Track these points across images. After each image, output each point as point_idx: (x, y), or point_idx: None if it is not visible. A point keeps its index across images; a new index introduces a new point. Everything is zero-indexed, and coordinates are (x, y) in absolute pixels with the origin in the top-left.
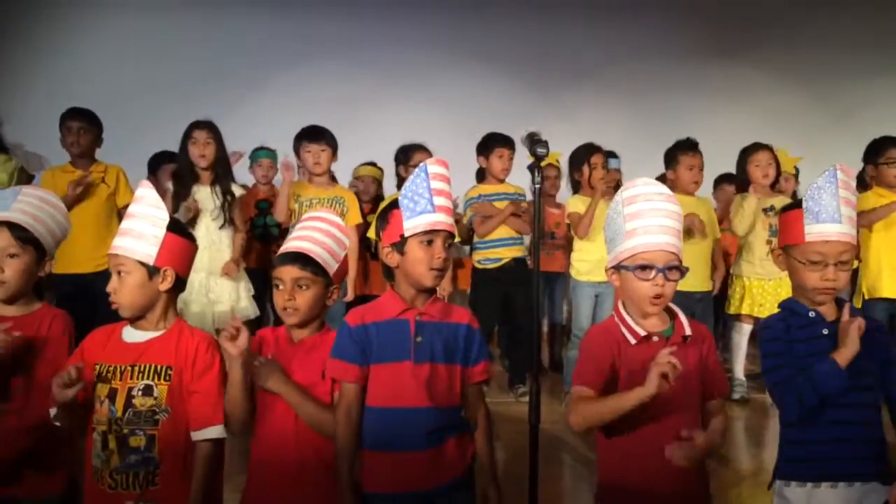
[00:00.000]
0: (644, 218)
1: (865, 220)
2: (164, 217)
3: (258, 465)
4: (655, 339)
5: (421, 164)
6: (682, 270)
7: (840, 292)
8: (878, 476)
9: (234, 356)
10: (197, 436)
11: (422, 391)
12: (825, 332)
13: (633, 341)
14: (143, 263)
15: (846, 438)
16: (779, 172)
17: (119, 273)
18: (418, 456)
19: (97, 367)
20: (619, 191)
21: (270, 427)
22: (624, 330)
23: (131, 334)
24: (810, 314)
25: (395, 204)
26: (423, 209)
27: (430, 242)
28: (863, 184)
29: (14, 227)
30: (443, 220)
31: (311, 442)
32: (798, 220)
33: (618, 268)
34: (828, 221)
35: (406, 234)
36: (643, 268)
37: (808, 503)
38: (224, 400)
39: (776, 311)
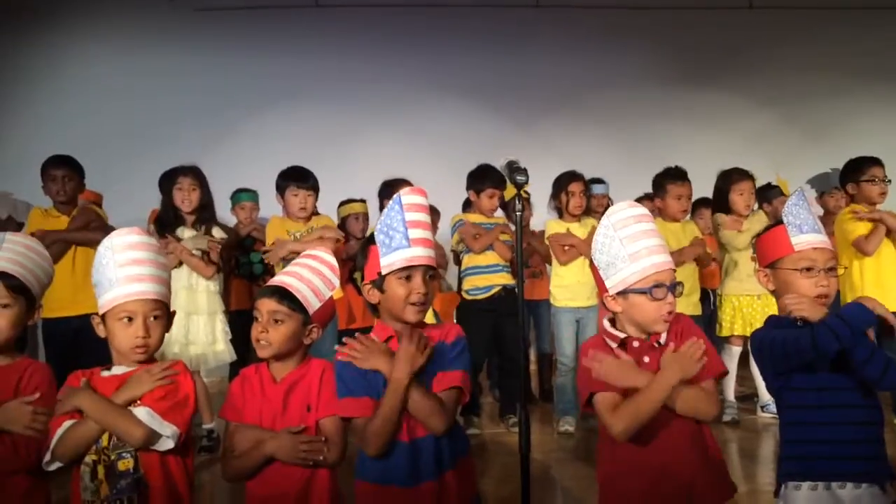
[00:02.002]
0: (642, 240)
1: (871, 246)
2: (169, 262)
3: (256, 500)
4: (636, 343)
5: (395, 196)
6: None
7: (830, 302)
8: (881, 477)
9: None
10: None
11: (417, 422)
12: None
13: (613, 345)
14: (168, 306)
15: (848, 440)
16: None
17: (154, 318)
18: (436, 484)
19: None
20: (606, 216)
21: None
22: (606, 338)
23: (110, 371)
24: (798, 322)
25: (372, 239)
26: (398, 244)
27: (408, 278)
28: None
29: (5, 277)
30: (420, 253)
31: (305, 475)
32: (783, 234)
33: (624, 292)
34: (810, 232)
35: (383, 272)
36: (657, 288)
37: None
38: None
39: None
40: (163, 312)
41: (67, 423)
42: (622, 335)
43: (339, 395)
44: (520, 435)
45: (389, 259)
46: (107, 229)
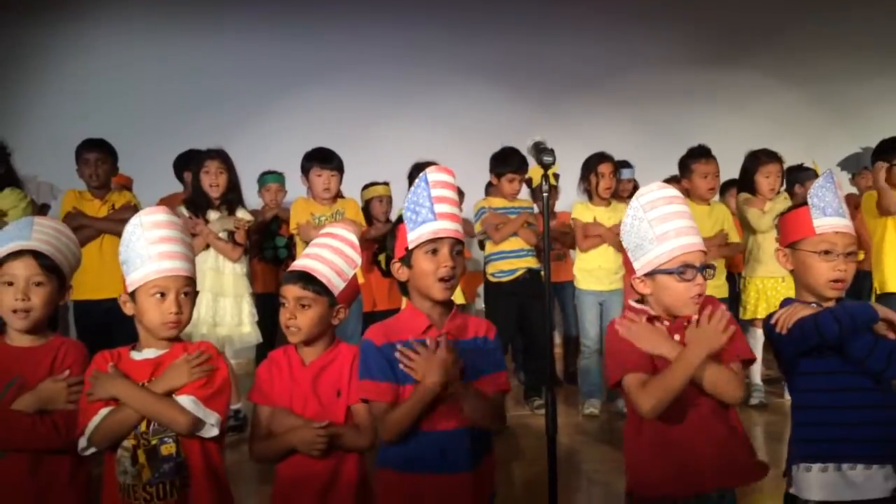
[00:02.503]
0: (672, 221)
1: (884, 206)
2: (196, 245)
3: (285, 481)
4: (665, 323)
5: (421, 174)
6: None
7: (846, 287)
8: (894, 458)
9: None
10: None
11: (454, 412)
12: None
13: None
14: (195, 284)
15: (859, 422)
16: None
17: (185, 294)
18: (457, 478)
19: None
20: (635, 197)
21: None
22: (635, 315)
23: (140, 353)
24: (813, 305)
25: (402, 219)
26: (424, 218)
27: (434, 251)
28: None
29: (38, 256)
30: (446, 226)
31: (332, 460)
32: (805, 215)
33: (652, 273)
34: (834, 216)
35: (410, 246)
36: (685, 269)
37: (822, 489)
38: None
39: None
40: (192, 289)
41: (104, 411)
42: (651, 312)
43: (360, 375)
44: (546, 417)
45: (416, 233)
46: None
